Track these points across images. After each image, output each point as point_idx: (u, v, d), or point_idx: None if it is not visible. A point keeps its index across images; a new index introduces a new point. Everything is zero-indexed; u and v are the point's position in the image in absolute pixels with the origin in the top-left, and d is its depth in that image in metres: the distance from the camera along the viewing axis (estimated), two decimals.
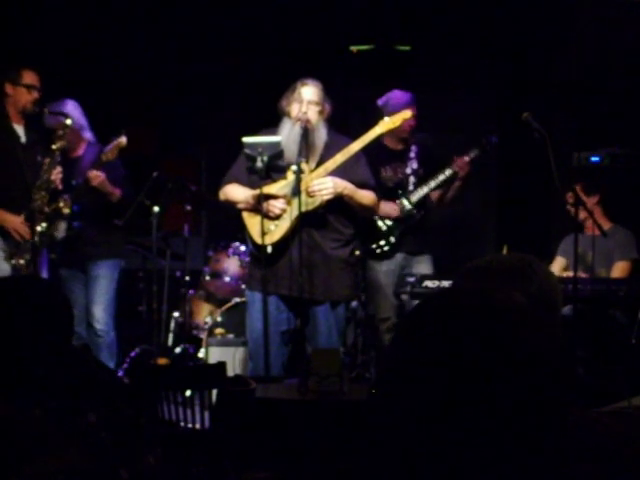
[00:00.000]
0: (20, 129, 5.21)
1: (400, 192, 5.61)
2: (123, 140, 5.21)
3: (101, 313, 5.53)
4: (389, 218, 5.57)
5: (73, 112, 5.45)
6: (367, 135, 4.88)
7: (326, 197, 4.78)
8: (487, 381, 1.02)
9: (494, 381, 1.02)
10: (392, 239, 5.59)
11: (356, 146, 4.84)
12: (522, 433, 1.03)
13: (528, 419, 1.03)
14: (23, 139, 5.21)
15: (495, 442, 1.02)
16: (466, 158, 5.52)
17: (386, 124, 4.93)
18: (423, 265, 5.65)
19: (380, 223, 5.58)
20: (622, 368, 4.89)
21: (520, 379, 1.03)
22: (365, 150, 5.07)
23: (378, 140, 5.60)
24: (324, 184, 4.77)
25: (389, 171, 5.66)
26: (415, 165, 5.68)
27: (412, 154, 5.68)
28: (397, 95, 5.64)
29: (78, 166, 5.52)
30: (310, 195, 4.78)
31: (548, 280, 1.83)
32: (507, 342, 1.04)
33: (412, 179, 5.65)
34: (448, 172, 5.53)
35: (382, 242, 5.60)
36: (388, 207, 5.56)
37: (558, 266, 5.75)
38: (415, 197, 5.60)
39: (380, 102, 5.63)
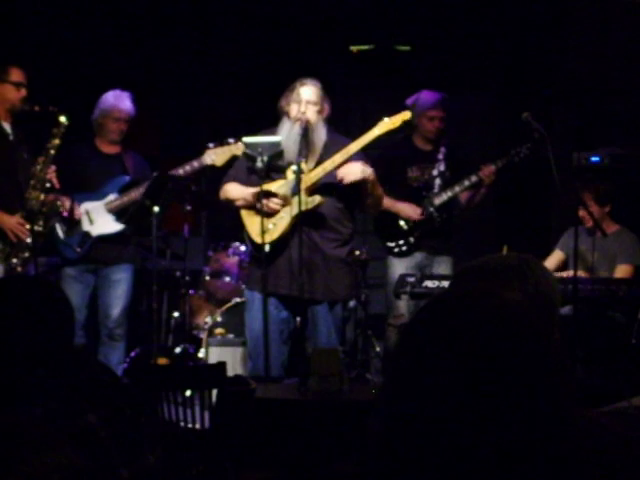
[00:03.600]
0: (7, 127, 5.10)
1: (425, 194, 5.62)
2: (240, 147, 5.09)
3: (121, 318, 5.44)
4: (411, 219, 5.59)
5: (133, 106, 5.43)
6: (365, 136, 4.85)
7: (352, 180, 4.76)
8: (484, 382, 1.02)
9: (490, 381, 1.02)
10: (411, 239, 5.61)
11: (354, 147, 4.81)
12: (520, 433, 1.03)
13: (526, 419, 1.03)
14: (11, 137, 5.11)
15: (494, 442, 1.02)
16: (492, 167, 5.50)
17: (385, 124, 4.89)
18: (443, 266, 5.65)
19: (402, 222, 5.61)
20: (622, 368, 4.89)
21: (515, 379, 1.03)
22: (393, 149, 5.07)
23: (409, 140, 5.66)
24: (351, 169, 4.76)
25: (416, 171, 5.68)
26: (442, 167, 5.68)
27: (440, 155, 5.69)
28: (425, 95, 5.67)
29: (123, 165, 5.47)
30: (341, 180, 4.75)
31: (546, 279, 1.83)
32: (502, 342, 1.04)
33: (438, 181, 5.66)
34: (474, 179, 5.53)
35: (401, 241, 5.62)
36: (409, 209, 5.58)
37: (555, 259, 5.69)
38: (438, 200, 5.61)
39: (408, 102, 5.66)
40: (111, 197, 5.37)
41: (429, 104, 5.61)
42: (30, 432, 1.67)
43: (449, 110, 5.69)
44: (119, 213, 5.37)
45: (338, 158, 4.79)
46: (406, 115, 5.00)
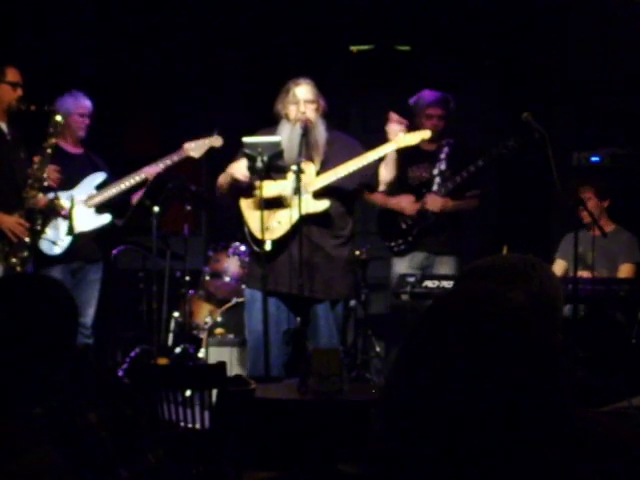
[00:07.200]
0: (4, 127, 5.09)
1: (424, 191, 5.63)
2: (218, 140, 5.26)
3: (93, 317, 5.44)
4: (410, 218, 5.59)
5: (90, 104, 5.44)
6: (381, 148, 4.86)
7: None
8: (485, 382, 1.03)
9: (492, 382, 1.03)
10: (410, 238, 5.64)
11: (370, 157, 4.84)
12: (522, 433, 1.03)
13: (528, 419, 1.03)
14: (8, 137, 5.10)
15: (495, 442, 1.02)
16: (479, 163, 5.48)
17: (403, 140, 4.89)
18: (446, 266, 5.64)
19: (402, 223, 5.62)
20: (622, 368, 4.89)
21: (518, 380, 1.03)
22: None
23: None
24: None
25: (416, 170, 5.70)
26: (443, 166, 5.68)
27: (442, 155, 5.70)
28: (425, 94, 5.70)
29: (93, 164, 5.47)
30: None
31: (550, 280, 1.83)
32: (505, 344, 1.05)
33: (437, 180, 5.66)
34: (465, 174, 5.53)
35: (400, 240, 5.65)
36: (405, 201, 5.58)
37: (559, 269, 5.70)
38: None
39: (411, 101, 5.71)
40: (91, 193, 5.35)
41: (427, 102, 5.65)
42: (19, 432, 1.67)
43: (450, 110, 5.70)
44: (99, 209, 5.37)
45: (352, 165, 4.80)
46: (426, 134, 4.98)
